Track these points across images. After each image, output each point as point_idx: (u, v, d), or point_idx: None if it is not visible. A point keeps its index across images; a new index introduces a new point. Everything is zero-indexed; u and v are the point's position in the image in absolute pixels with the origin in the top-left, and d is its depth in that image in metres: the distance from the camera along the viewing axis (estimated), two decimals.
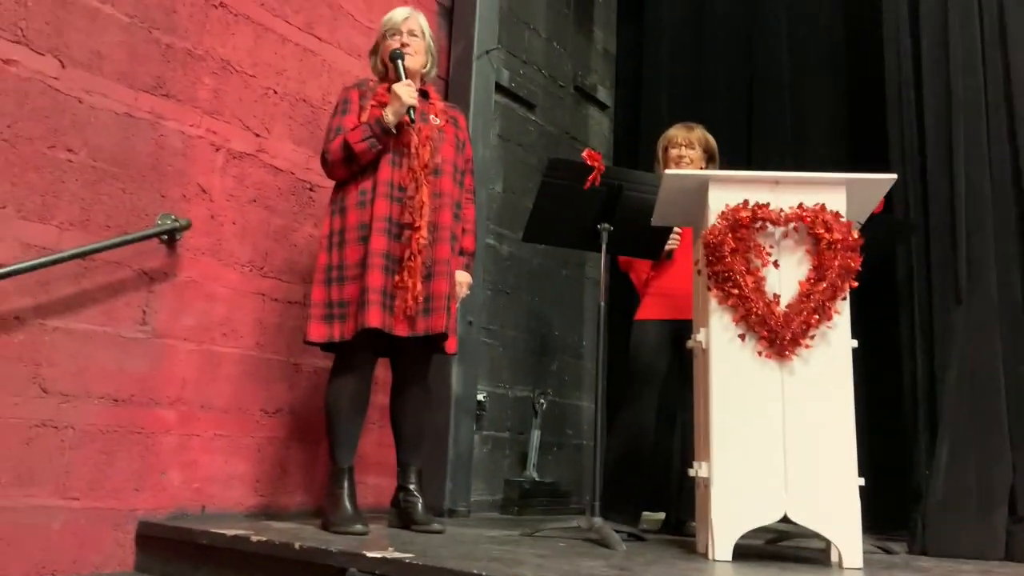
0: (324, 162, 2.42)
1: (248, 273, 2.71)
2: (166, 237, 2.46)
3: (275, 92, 2.85)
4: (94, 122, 2.33)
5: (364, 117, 2.39)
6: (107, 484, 2.29)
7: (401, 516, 2.44)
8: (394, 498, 2.50)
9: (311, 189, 2.94)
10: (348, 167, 2.37)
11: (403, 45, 2.48)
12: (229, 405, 2.62)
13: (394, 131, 2.36)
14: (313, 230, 2.92)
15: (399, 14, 2.55)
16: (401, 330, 2.31)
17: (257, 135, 2.78)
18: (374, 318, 2.25)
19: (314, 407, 2.84)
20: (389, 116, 2.34)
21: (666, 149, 2.94)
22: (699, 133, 2.92)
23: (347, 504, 2.33)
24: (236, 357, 2.65)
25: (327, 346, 2.39)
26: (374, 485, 3.02)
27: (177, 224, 2.46)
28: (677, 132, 2.93)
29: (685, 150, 2.89)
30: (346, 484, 2.35)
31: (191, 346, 2.53)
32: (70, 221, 2.27)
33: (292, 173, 2.88)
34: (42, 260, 2.13)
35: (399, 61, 2.44)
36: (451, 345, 2.43)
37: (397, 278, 2.31)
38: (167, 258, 2.49)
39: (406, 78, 2.42)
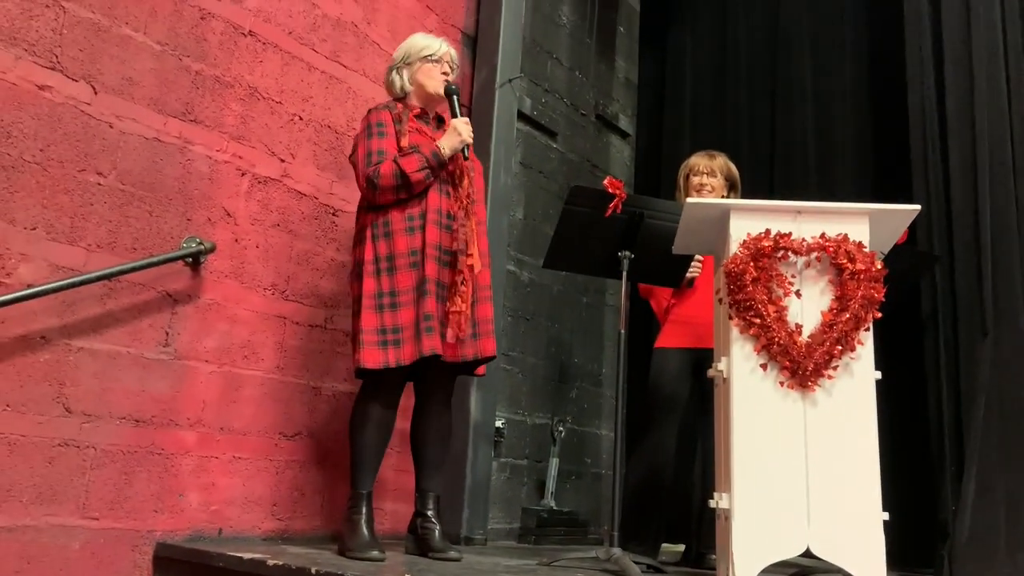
0: (372, 185, 2.34)
1: (270, 296, 2.74)
2: (191, 260, 2.50)
3: (300, 118, 2.90)
4: (124, 146, 2.38)
5: (404, 143, 2.39)
6: (127, 504, 2.30)
7: (418, 543, 2.43)
8: (411, 524, 2.49)
9: (334, 214, 2.97)
10: (398, 194, 2.35)
11: (444, 74, 2.51)
12: (248, 428, 2.63)
13: (448, 164, 2.40)
14: (336, 254, 2.94)
15: (442, 43, 2.55)
16: (452, 355, 2.33)
17: (282, 160, 2.82)
18: (435, 345, 2.26)
19: (333, 431, 2.84)
20: (446, 150, 2.38)
21: (687, 177, 2.93)
22: (720, 161, 2.91)
23: (364, 530, 2.32)
24: (257, 380, 2.67)
25: (360, 372, 2.37)
26: (391, 511, 3.01)
27: (202, 247, 2.50)
28: (699, 160, 2.92)
29: (707, 178, 2.87)
30: (364, 510, 2.35)
31: (212, 368, 2.55)
32: (98, 243, 2.30)
33: (315, 198, 2.92)
34: (69, 281, 2.16)
35: (455, 97, 2.47)
36: (482, 367, 2.45)
37: (449, 304, 2.32)
38: (191, 280, 2.52)
39: (461, 114, 2.46)
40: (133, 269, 2.32)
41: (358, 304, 2.37)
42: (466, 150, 2.41)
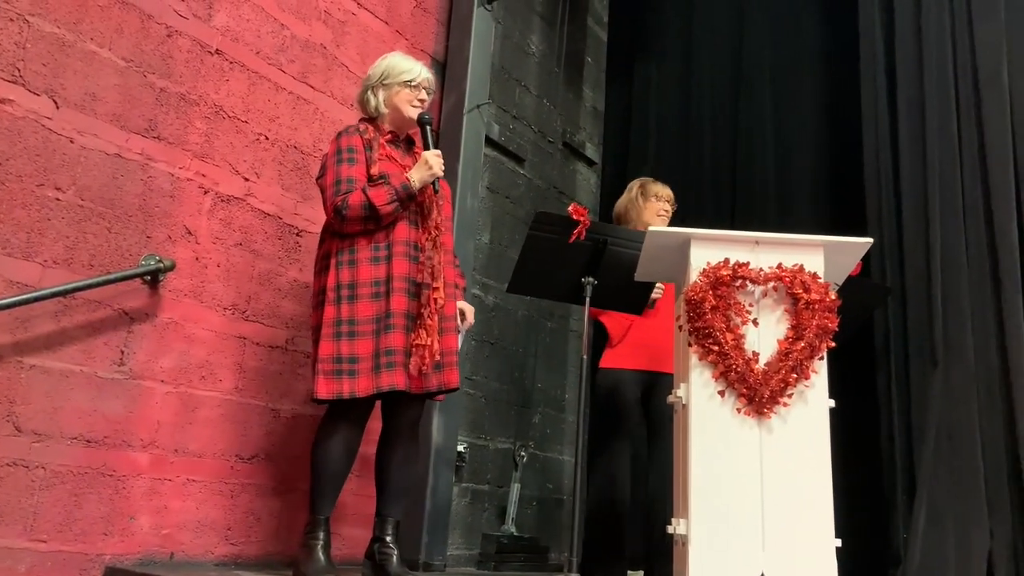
0: (339, 215, 2.30)
1: (230, 316, 2.71)
2: (149, 278, 2.46)
3: (266, 138, 2.89)
4: (84, 162, 2.35)
5: (375, 171, 2.37)
6: (75, 527, 2.24)
7: (375, 569, 2.39)
8: (369, 550, 2.45)
9: (298, 234, 2.96)
10: (366, 224, 2.33)
11: (420, 100, 2.49)
12: (204, 450, 2.58)
13: (417, 196, 2.39)
14: (299, 275, 2.92)
15: (422, 68, 2.52)
16: (416, 387, 2.32)
17: (246, 179, 2.81)
18: (396, 381, 2.25)
19: (291, 454, 2.80)
20: (416, 183, 2.36)
21: (648, 196, 3.06)
22: (635, 191, 3.10)
23: (321, 555, 2.28)
24: (214, 401, 2.63)
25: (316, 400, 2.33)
26: (350, 536, 2.97)
27: (161, 265, 2.47)
28: (664, 189, 3.08)
29: (668, 206, 3.05)
30: (322, 535, 2.31)
31: (168, 388, 2.50)
32: (54, 259, 2.26)
33: (279, 218, 2.90)
34: (23, 297, 2.12)
35: (428, 127, 2.46)
36: (442, 395, 2.45)
37: (414, 335, 2.30)
38: (149, 299, 2.48)
39: (434, 146, 2.45)
40: (89, 286, 2.28)
41: (317, 331, 2.34)
42: (436, 183, 2.40)
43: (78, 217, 2.33)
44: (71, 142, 2.33)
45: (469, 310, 2.61)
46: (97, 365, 2.33)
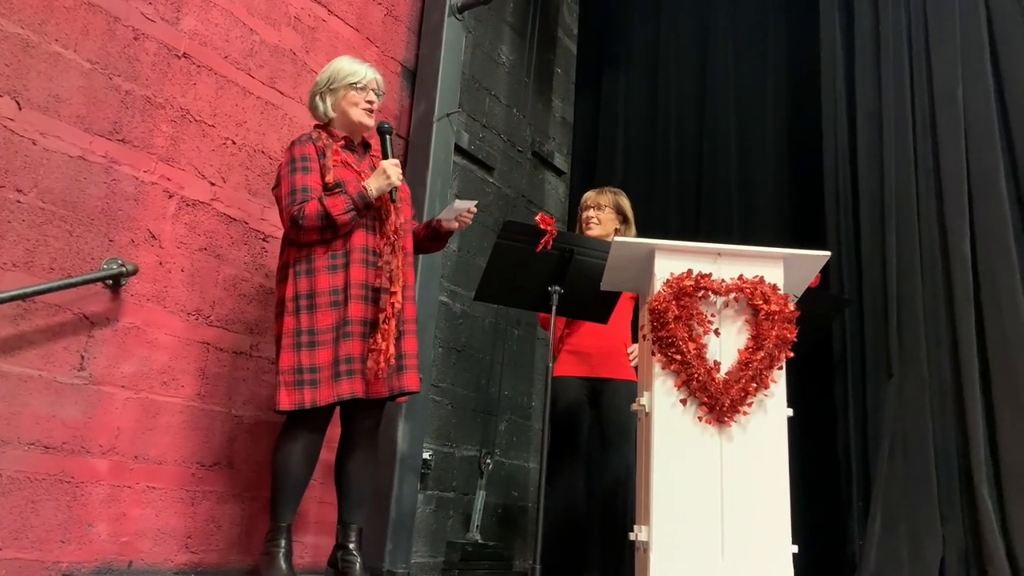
0: (296, 225, 2.31)
1: (194, 321, 2.68)
2: (111, 282, 2.43)
3: (233, 143, 2.87)
4: (46, 164, 2.32)
5: (329, 178, 2.37)
6: (32, 534, 2.19)
7: None
8: (331, 558, 2.44)
9: (264, 239, 2.94)
10: (323, 234, 2.33)
11: (369, 102, 2.49)
12: (164, 457, 2.55)
13: (374, 204, 2.39)
14: (264, 281, 2.91)
15: (368, 69, 2.51)
16: (376, 391, 2.32)
17: (212, 184, 2.79)
18: (355, 389, 2.26)
19: (254, 461, 2.78)
20: (373, 192, 2.36)
21: (582, 208, 3.08)
22: (609, 196, 3.08)
23: (282, 563, 2.27)
24: (176, 407, 2.60)
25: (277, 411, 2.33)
26: (312, 544, 2.95)
27: (123, 269, 2.44)
28: (588, 195, 3.11)
29: (593, 211, 3.04)
30: (283, 543, 2.30)
31: (129, 394, 2.47)
32: (13, 262, 2.23)
33: (246, 223, 2.89)
34: None
35: (388, 136, 2.45)
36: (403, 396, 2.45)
37: (371, 341, 2.31)
38: (110, 303, 2.45)
39: (393, 155, 2.45)
40: (50, 290, 2.25)
41: (278, 342, 2.35)
42: (394, 192, 2.40)
43: (39, 220, 2.29)
44: (33, 144, 2.29)
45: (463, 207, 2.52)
46: (56, 370, 2.30)
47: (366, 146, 2.56)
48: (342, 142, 2.49)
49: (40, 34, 2.32)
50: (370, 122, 2.51)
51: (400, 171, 2.41)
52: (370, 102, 2.49)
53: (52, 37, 2.35)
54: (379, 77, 2.54)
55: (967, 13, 3.12)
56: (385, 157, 2.45)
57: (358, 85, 2.48)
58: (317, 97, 2.51)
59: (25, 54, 2.29)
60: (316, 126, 2.53)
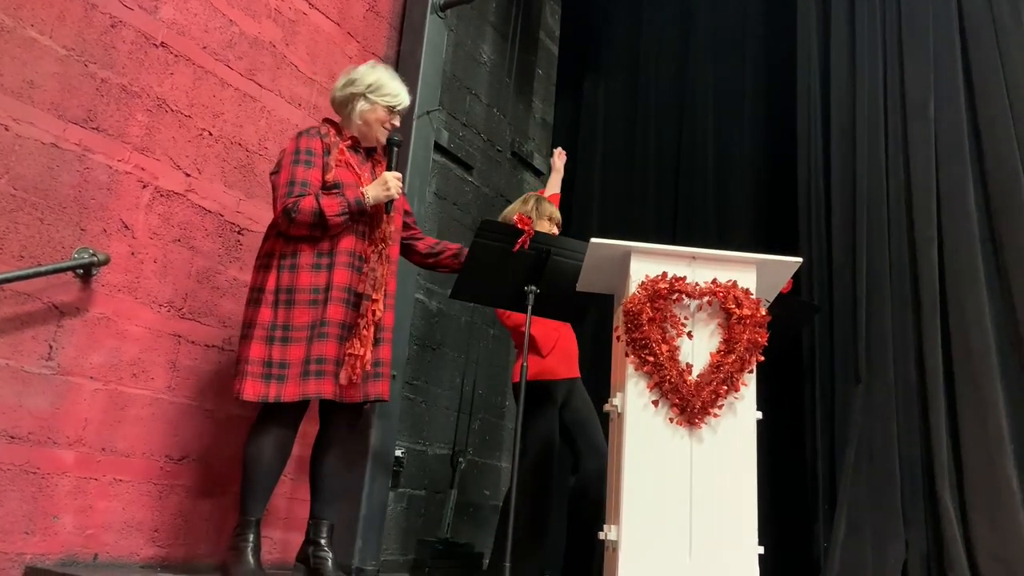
0: (288, 217, 2.29)
1: (166, 313, 2.66)
2: (81, 271, 2.40)
3: (210, 134, 2.85)
4: (19, 150, 2.28)
5: (330, 177, 2.36)
6: None
7: (309, 573, 2.37)
8: (301, 553, 2.43)
9: (239, 232, 2.92)
10: (312, 231, 2.33)
11: (393, 125, 2.51)
12: (132, 449, 2.52)
13: (368, 211, 2.39)
14: (238, 273, 2.89)
15: (407, 95, 2.53)
16: (346, 396, 2.31)
17: (187, 175, 2.76)
18: (328, 389, 2.26)
19: (223, 455, 2.76)
20: (370, 200, 2.37)
21: (542, 215, 3.06)
22: (531, 204, 3.04)
23: (250, 558, 2.25)
24: (145, 399, 2.57)
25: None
26: (281, 540, 2.93)
27: (95, 259, 2.41)
28: (556, 211, 3.08)
29: (557, 230, 3.03)
30: (252, 537, 2.28)
31: (97, 385, 2.44)
32: None
33: (221, 215, 2.86)
34: None
35: (396, 150, 2.48)
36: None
37: (348, 344, 2.30)
38: (80, 293, 2.42)
39: (394, 168, 2.47)
40: (18, 278, 2.21)
41: (249, 330, 2.31)
42: (389, 205, 2.41)
43: (10, 207, 2.26)
44: (6, 130, 2.26)
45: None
46: (24, 359, 2.26)
47: (369, 151, 2.56)
48: (348, 142, 2.48)
49: (15, 18, 2.29)
50: (384, 140, 2.52)
51: (401, 184, 2.43)
52: (394, 125, 2.52)
53: (28, 22, 2.32)
54: (409, 103, 2.56)
55: (940, 27, 3.18)
56: (389, 168, 2.46)
57: (394, 109, 2.51)
58: (353, 97, 2.48)
59: None
60: (325, 120, 2.52)
